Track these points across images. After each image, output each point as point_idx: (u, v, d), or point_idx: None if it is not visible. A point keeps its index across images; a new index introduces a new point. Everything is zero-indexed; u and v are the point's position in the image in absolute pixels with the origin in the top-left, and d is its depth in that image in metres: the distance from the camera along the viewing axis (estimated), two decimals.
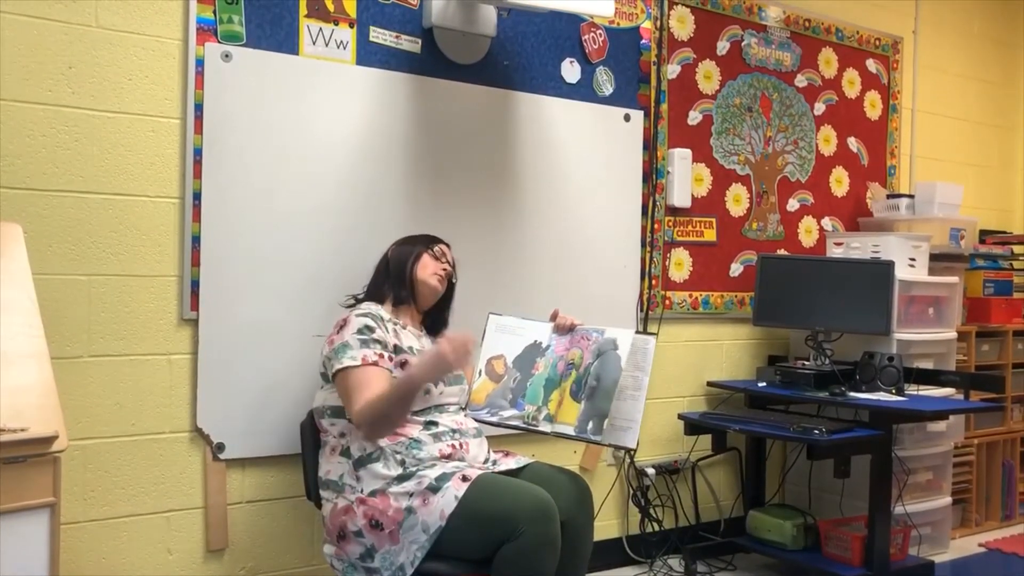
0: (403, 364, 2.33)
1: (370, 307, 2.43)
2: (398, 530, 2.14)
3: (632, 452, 3.44)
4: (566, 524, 2.24)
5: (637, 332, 2.53)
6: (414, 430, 2.30)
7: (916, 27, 4.48)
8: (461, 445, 2.35)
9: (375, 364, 2.28)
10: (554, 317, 2.62)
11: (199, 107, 2.58)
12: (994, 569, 3.63)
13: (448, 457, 2.30)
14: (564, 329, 2.58)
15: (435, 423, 2.34)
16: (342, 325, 2.36)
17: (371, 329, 2.33)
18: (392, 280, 2.52)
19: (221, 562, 2.66)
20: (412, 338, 2.47)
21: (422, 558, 2.12)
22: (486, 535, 2.12)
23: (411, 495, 2.17)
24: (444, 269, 2.56)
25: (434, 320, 2.63)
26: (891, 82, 4.34)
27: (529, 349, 2.58)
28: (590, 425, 2.39)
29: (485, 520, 2.12)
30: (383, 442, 2.26)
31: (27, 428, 1.78)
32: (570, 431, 2.43)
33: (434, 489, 2.15)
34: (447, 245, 2.64)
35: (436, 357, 2.20)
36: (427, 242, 2.60)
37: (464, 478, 2.17)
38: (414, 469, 2.23)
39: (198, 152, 2.58)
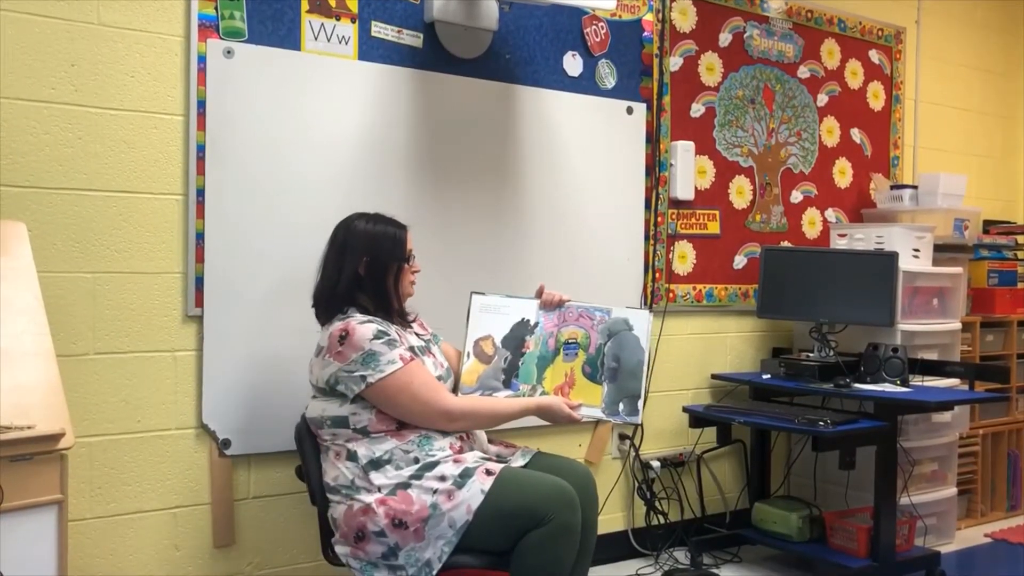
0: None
1: (365, 315, 2.32)
2: (423, 527, 2.13)
3: (640, 428, 3.46)
4: None
5: (634, 308, 2.61)
6: (422, 427, 2.29)
7: (919, 17, 4.47)
8: (469, 436, 2.37)
9: (412, 359, 2.27)
10: (539, 293, 2.60)
11: (201, 104, 2.58)
12: (1000, 559, 3.63)
13: (460, 451, 2.29)
14: (551, 305, 2.57)
15: None
16: (343, 336, 2.23)
17: (386, 332, 2.26)
18: (374, 297, 2.37)
19: (228, 558, 2.66)
20: (410, 338, 2.40)
21: (450, 553, 2.13)
22: (513, 527, 2.15)
23: (435, 492, 2.16)
24: (416, 272, 2.48)
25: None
26: (894, 73, 4.33)
27: (517, 327, 2.56)
28: (621, 407, 2.48)
29: (512, 512, 2.15)
30: (392, 443, 2.23)
31: (34, 426, 1.78)
32: (599, 413, 2.50)
33: (459, 485, 2.16)
34: (406, 230, 2.46)
35: (558, 414, 2.40)
36: (400, 248, 2.40)
37: (488, 472, 2.19)
38: (433, 460, 2.22)
39: (201, 149, 2.58)
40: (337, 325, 2.28)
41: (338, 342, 2.24)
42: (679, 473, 3.61)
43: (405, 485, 2.18)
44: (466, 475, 2.18)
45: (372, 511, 2.16)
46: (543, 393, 2.50)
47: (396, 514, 2.14)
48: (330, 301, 2.37)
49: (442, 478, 2.18)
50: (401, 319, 2.43)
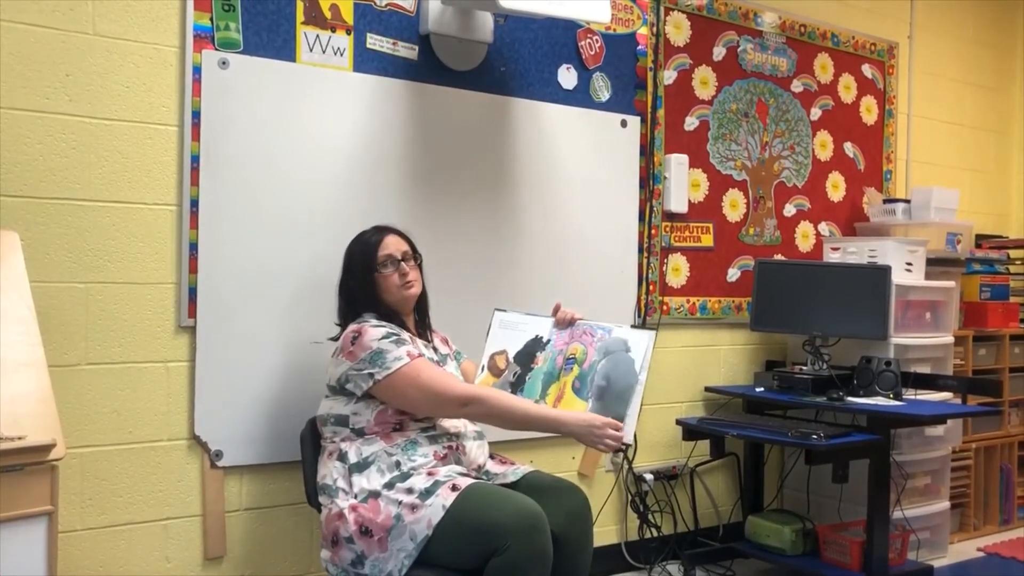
0: None
1: (378, 321, 2.40)
2: (387, 537, 2.14)
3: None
4: (561, 539, 2.23)
5: (638, 328, 2.52)
6: (412, 432, 2.31)
7: (911, 32, 4.50)
8: (457, 447, 2.36)
9: (420, 355, 2.31)
10: (556, 311, 2.59)
11: (196, 114, 2.58)
12: (993, 573, 3.63)
13: (443, 459, 2.30)
14: (565, 323, 2.56)
15: (433, 426, 2.35)
16: (355, 337, 2.32)
17: (395, 333, 2.35)
18: (368, 309, 2.45)
19: (219, 570, 2.65)
20: (421, 347, 2.45)
21: (409, 566, 2.12)
22: (473, 546, 2.11)
23: (400, 503, 2.16)
24: (403, 276, 2.45)
25: (419, 320, 2.58)
26: (887, 87, 4.36)
27: (530, 343, 2.57)
28: None
29: (472, 531, 2.10)
30: (380, 444, 2.27)
31: (25, 436, 1.77)
32: None
33: (423, 498, 2.15)
34: (394, 232, 2.50)
35: (590, 430, 2.28)
36: (368, 256, 2.45)
37: (454, 487, 2.16)
38: (408, 470, 2.22)
39: (195, 159, 2.58)
40: (352, 327, 2.38)
41: (350, 342, 2.33)
42: (672, 486, 3.61)
43: (376, 494, 2.20)
44: (431, 489, 2.16)
45: (344, 516, 2.20)
46: None
47: (364, 522, 2.17)
48: (343, 317, 2.49)
49: (410, 491, 2.18)
50: (412, 326, 2.50)
